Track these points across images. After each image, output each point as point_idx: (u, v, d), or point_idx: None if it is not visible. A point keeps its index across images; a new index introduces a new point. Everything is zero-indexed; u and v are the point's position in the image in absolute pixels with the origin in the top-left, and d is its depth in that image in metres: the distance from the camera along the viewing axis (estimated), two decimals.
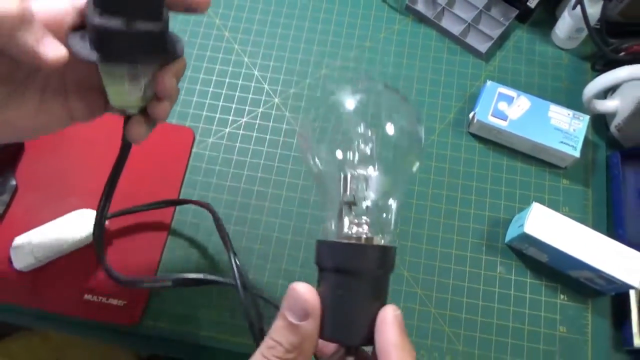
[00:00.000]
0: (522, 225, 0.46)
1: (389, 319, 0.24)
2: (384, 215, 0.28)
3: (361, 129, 0.27)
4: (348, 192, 0.26)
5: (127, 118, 0.30)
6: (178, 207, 0.51)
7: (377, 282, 0.25)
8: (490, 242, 0.50)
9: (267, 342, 0.24)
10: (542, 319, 0.48)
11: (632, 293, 0.46)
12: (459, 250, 0.50)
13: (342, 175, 0.27)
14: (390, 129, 0.28)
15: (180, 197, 0.51)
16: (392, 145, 0.28)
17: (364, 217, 0.26)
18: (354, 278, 0.24)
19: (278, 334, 0.24)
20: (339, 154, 0.27)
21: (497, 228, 0.51)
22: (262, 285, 0.48)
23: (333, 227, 0.27)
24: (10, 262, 0.46)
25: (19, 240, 0.46)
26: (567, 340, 0.47)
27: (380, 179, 0.27)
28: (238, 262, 0.42)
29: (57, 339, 0.62)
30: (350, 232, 0.26)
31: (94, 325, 0.47)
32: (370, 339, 0.24)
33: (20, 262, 0.46)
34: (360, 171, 0.27)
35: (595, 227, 0.50)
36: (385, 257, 0.25)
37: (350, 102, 0.28)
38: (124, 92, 0.28)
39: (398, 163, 0.28)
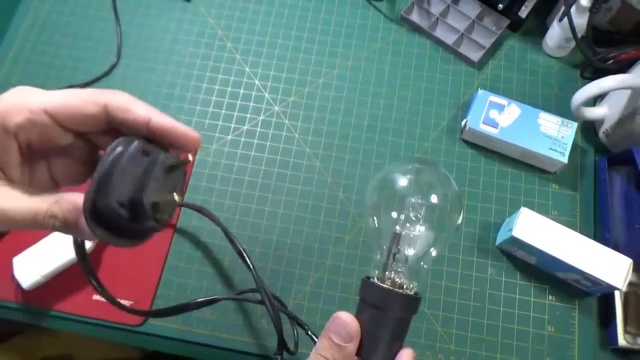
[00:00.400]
0: (511, 229, 0.48)
1: (406, 356, 0.31)
2: (421, 264, 0.35)
3: (411, 198, 0.35)
4: (394, 245, 0.33)
5: None
6: (182, 208, 0.53)
7: (402, 321, 0.32)
8: (481, 245, 0.52)
9: (316, 357, 0.30)
10: (531, 319, 0.49)
11: (617, 294, 0.48)
12: (452, 252, 0.52)
13: (392, 232, 0.34)
14: (434, 198, 0.35)
15: (184, 202, 0.54)
16: (436, 210, 0.35)
17: (403, 267, 0.33)
18: (386, 314, 0.31)
19: (325, 351, 0.30)
20: (393, 215, 0.34)
21: (488, 231, 0.53)
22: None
23: (378, 271, 0.33)
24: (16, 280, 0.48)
25: (22, 259, 0.48)
26: (555, 340, 0.49)
27: (420, 239, 0.34)
28: (263, 281, 0.46)
29: (67, 337, 0.64)
30: (390, 276, 0.33)
31: (102, 324, 0.49)
32: None
33: (27, 282, 0.48)
34: (407, 231, 0.34)
35: (583, 230, 0.52)
36: (411, 304, 0.32)
37: (403, 180, 0.36)
38: None
39: (440, 225, 0.35)
